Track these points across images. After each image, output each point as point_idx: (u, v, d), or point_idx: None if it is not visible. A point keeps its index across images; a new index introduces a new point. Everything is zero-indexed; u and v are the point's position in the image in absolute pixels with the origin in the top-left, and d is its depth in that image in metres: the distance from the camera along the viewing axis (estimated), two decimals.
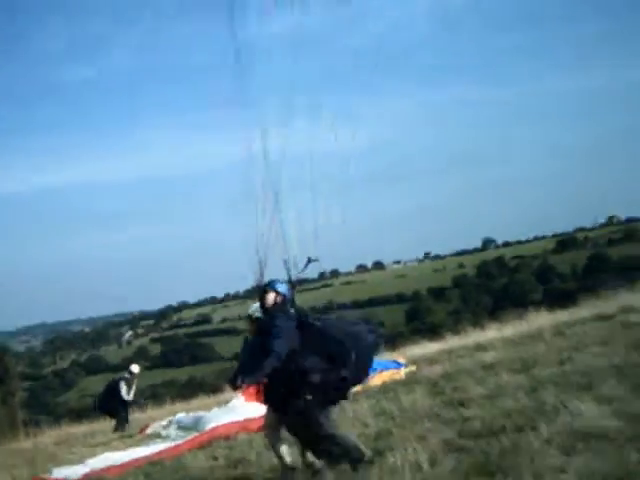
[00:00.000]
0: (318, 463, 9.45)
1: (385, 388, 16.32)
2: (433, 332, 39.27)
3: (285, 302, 9.70)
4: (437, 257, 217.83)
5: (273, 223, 9.95)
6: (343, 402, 10.15)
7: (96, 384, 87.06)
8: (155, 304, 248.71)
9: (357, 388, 15.18)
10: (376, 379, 17.58)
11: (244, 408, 16.34)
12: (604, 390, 10.16)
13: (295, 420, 9.27)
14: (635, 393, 9.60)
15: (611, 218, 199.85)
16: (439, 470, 8.16)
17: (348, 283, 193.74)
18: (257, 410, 13.70)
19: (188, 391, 43.60)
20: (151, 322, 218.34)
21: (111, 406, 24.03)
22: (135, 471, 13.42)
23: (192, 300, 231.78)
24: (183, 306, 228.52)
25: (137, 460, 14.36)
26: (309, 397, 9.06)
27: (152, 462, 13.92)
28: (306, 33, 10.37)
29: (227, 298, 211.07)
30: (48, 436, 24.90)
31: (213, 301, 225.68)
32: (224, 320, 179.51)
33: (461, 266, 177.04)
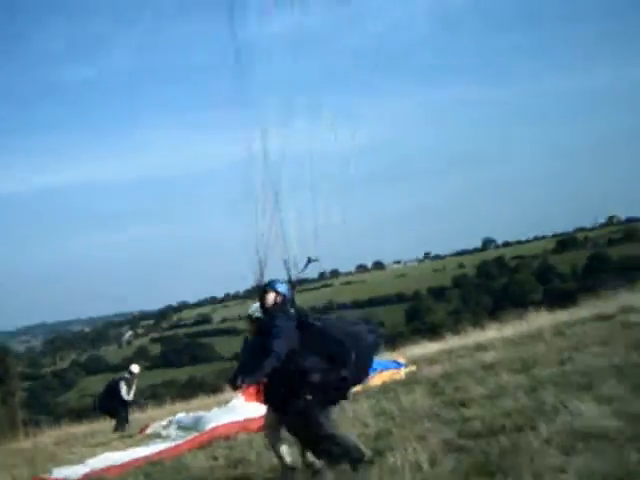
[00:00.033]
0: (318, 463, 9.44)
1: (385, 388, 16.34)
2: (433, 332, 39.29)
3: (285, 302, 9.70)
4: (437, 257, 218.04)
5: (273, 223, 9.97)
6: (343, 402, 10.17)
7: (96, 384, 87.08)
8: (155, 304, 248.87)
9: (357, 388, 15.20)
10: (376, 379, 17.60)
11: (244, 408, 16.35)
12: (604, 390, 10.17)
13: (295, 420, 9.27)
14: (635, 393, 9.61)
15: (611, 218, 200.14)
16: (439, 470, 8.17)
17: (348, 283, 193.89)
18: (257, 410, 13.70)
19: (188, 391, 43.63)
20: (151, 322, 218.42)
21: (111, 406, 24.03)
22: (135, 471, 13.42)
23: (192, 300, 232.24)
24: (183, 306, 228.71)
25: (137, 460, 14.36)
26: (309, 397, 9.06)
27: (152, 462, 13.92)
28: (306, 33, 10.40)
29: (227, 298, 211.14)
30: (48, 436, 24.92)
31: (213, 301, 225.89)
32: (224, 320, 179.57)
33: (461, 266, 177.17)
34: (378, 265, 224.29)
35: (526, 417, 9.61)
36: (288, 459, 9.82)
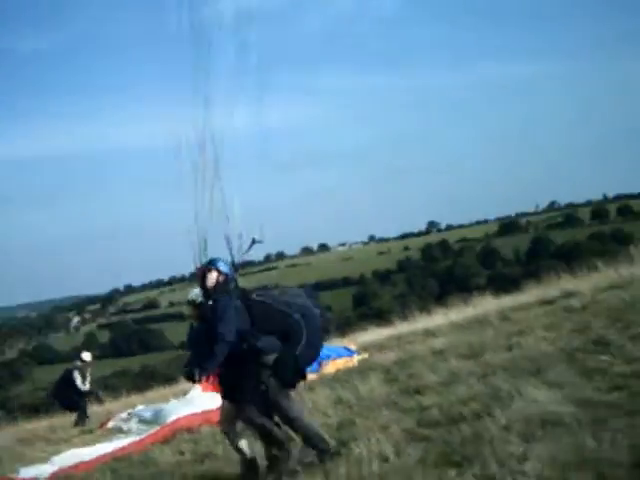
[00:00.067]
0: (281, 455, 9.42)
1: (340, 376, 16.48)
2: (380, 317, 39.58)
3: (227, 282, 9.56)
4: (382, 240, 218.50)
5: (213, 202, 9.77)
6: (301, 390, 10.31)
7: (48, 375, 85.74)
8: (101, 287, 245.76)
9: (313, 376, 15.52)
10: (330, 367, 17.86)
11: (202, 399, 16.48)
12: (554, 375, 10.37)
13: (255, 405, 9.27)
14: (584, 378, 9.85)
15: (552, 203, 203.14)
16: (405, 460, 8.24)
17: (293, 266, 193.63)
18: (215, 400, 13.52)
19: (142, 381, 43.45)
20: (98, 306, 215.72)
21: (67, 397, 23.67)
22: (102, 467, 13.34)
23: (138, 283, 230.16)
24: (129, 290, 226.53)
25: (103, 456, 14.34)
26: (267, 379, 9.10)
27: (118, 458, 13.91)
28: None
29: (173, 281, 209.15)
30: (7, 433, 24.53)
31: (159, 284, 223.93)
32: (172, 304, 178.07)
33: (406, 249, 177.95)
34: (323, 248, 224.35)
35: (482, 404, 9.74)
36: (248, 452, 9.77)
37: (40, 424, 25.49)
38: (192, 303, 9.90)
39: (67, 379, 23.94)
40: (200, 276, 9.63)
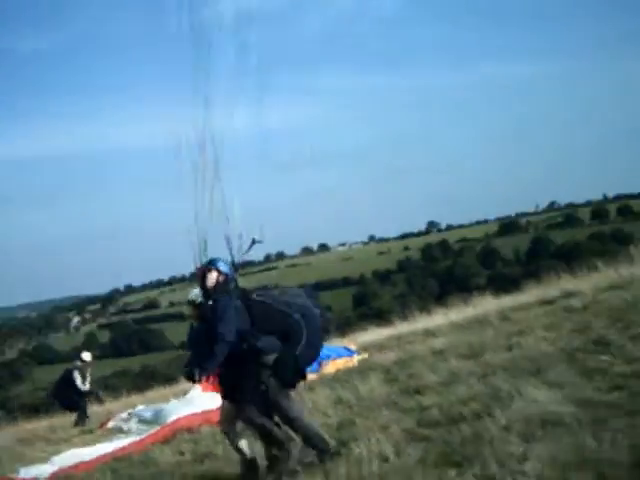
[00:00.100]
0: (281, 455, 9.40)
1: (339, 376, 16.48)
2: (380, 317, 39.58)
3: (227, 282, 9.56)
4: (382, 240, 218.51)
5: (213, 202, 9.76)
6: (301, 391, 10.32)
7: (48, 375, 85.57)
8: (101, 287, 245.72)
9: (313, 376, 15.51)
10: (330, 367, 17.86)
11: (202, 399, 16.46)
12: (554, 375, 10.39)
13: (253, 406, 9.28)
14: (584, 378, 9.86)
15: (552, 203, 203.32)
16: (405, 461, 8.25)
17: (293, 266, 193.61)
18: (215, 400, 13.49)
19: (142, 381, 43.41)
20: (98, 306, 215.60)
21: (68, 398, 23.56)
22: (102, 467, 13.33)
23: (138, 283, 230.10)
24: (129, 290, 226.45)
25: (104, 456, 14.32)
26: (267, 379, 9.10)
27: (118, 458, 13.90)
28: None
29: (173, 281, 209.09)
30: (7, 433, 24.49)
31: (159, 284, 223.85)
32: (172, 304, 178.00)
33: (406, 249, 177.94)
34: (323, 248, 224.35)
35: (482, 404, 9.75)
36: (248, 452, 9.77)
37: (40, 424, 25.44)
38: (192, 303, 9.89)
39: (67, 379, 23.89)
40: (200, 276, 9.62)
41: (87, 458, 14.42)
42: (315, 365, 15.78)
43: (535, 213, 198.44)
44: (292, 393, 9.53)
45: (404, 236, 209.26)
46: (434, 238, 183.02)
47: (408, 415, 10.66)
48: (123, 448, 14.74)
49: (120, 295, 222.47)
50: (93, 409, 24.04)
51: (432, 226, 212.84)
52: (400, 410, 11.16)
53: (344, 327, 35.10)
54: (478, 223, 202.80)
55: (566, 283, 21.76)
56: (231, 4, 10.42)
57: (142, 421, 17.29)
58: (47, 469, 14.08)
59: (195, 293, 9.85)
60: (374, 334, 25.92)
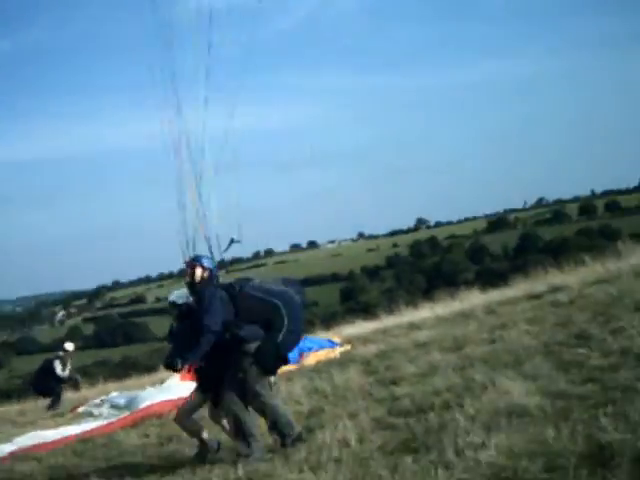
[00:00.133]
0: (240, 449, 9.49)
1: (319, 367, 16.50)
2: (367, 312, 39.50)
3: (212, 277, 9.84)
4: (371, 237, 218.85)
5: (200, 203, 10.27)
6: (278, 381, 10.30)
7: (26, 364, 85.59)
8: (88, 283, 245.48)
9: (293, 367, 15.44)
10: (311, 358, 17.79)
11: (179, 387, 16.18)
12: (531, 368, 10.43)
13: (232, 391, 9.36)
14: (559, 371, 9.89)
15: (540, 200, 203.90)
16: (366, 447, 8.35)
17: (282, 262, 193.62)
18: (192, 389, 13.69)
19: (122, 371, 43.12)
20: (84, 301, 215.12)
21: (46, 385, 23.50)
22: (64, 448, 13.34)
23: (126, 280, 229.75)
24: (117, 285, 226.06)
25: (67, 438, 14.24)
26: (248, 367, 9.21)
27: (83, 439, 13.87)
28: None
29: (161, 277, 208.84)
30: None
31: (147, 280, 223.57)
32: (158, 300, 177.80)
33: (395, 245, 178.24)
34: (312, 245, 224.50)
35: (454, 395, 9.82)
36: (206, 438, 10.17)
37: (12, 408, 25.27)
38: (172, 304, 10.13)
39: (47, 368, 23.78)
40: (190, 269, 9.84)
41: (50, 439, 14.35)
42: (296, 355, 15.81)
43: (523, 209, 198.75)
44: (268, 380, 9.63)
45: (393, 233, 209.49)
46: (423, 235, 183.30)
47: (380, 404, 10.73)
48: (90, 431, 14.68)
49: (107, 290, 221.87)
50: (68, 395, 23.90)
51: (421, 223, 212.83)
52: (373, 400, 11.24)
53: (330, 321, 34.88)
54: (467, 220, 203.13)
55: (553, 278, 21.83)
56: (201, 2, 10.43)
57: (114, 407, 17.14)
58: (5, 448, 13.95)
59: (176, 294, 10.15)
60: (359, 327, 25.87)
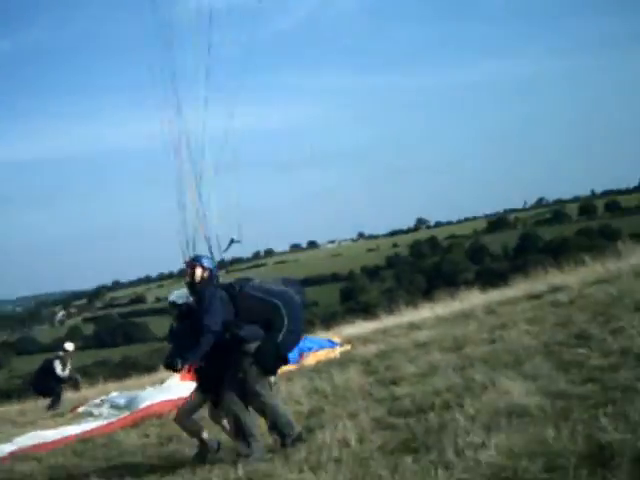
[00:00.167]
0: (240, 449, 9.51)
1: (319, 367, 16.52)
2: (367, 312, 39.48)
3: (212, 277, 9.87)
4: (371, 237, 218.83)
5: (200, 203, 10.32)
6: (278, 382, 10.32)
7: (26, 364, 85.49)
8: (88, 284, 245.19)
9: (293, 367, 15.47)
10: (311, 358, 17.81)
11: (179, 387, 16.16)
12: (531, 368, 10.45)
13: (232, 393, 9.37)
14: (559, 371, 9.91)
15: (540, 200, 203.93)
16: (366, 447, 8.37)
17: (282, 262, 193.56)
18: (192, 389, 13.69)
19: (122, 370, 43.09)
20: (84, 302, 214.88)
21: (46, 385, 23.47)
22: (64, 448, 13.34)
23: (126, 280, 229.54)
24: (117, 286, 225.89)
25: (67, 438, 14.23)
26: (248, 367, 9.22)
27: (83, 439, 13.87)
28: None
29: (161, 277, 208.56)
30: None
31: (147, 280, 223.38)
32: (158, 300, 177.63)
33: (395, 246, 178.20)
34: (312, 245, 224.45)
35: (454, 395, 9.84)
36: (205, 437, 10.20)
37: (12, 408, 25.27)
38: (172, 304, 10.14)
39: (47, 368, 23.78)
40: (190, 269, 9.87)
41: (50, 439, 14.34)
42: (296, 356, 15.84)
43: (523, 209, 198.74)
44: (268, 381, 9.65)
45: (393, 233, 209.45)
46: (423, 235, 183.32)
47: (380, 404, 10.76)
48: (90, 431, 14.68)
49: (107, 291, 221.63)
50: (68, 395, 23.88)
51: (421, 223, 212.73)
52: (373, 400, 11.27)
53: (330, 321, 34.89)
54: (467, 220, 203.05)
55: (553, 278, 21.86)
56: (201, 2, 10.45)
57: (114, 406, 17.10)
58: (5, 448, 13.93)
59: (176, 294, 10.17)
60: (359, 327, 25.90)
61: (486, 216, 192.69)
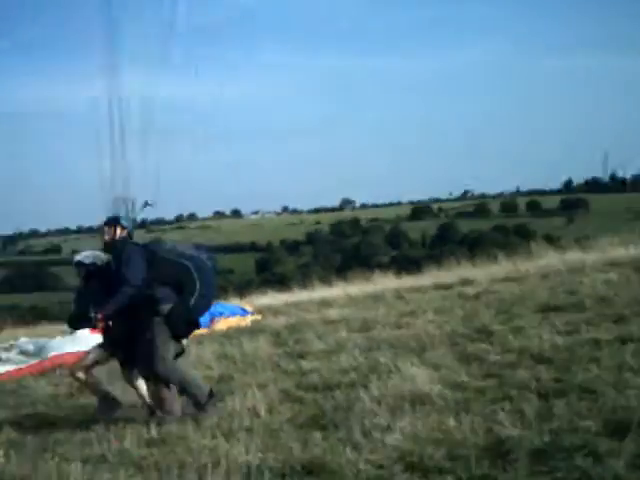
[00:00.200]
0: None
1: (230, 333, 16.67)
2: (282, 284, 39.63)
3: (129, 237, 9.90)
4: (295, 211, 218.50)
5: (125, 164, 10.39)
6: (188, 344, 10.41)
7: None
8: (3, 229, 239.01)
9: (204, 331, 15.59)
10: (222, 323, 17.94)
11: (89, 339, 16.09)
12: (434, 357, 10.70)
13: (140, 353, 9.37)
14: (461, 363, 10.14)
15: (465, 192, 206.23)
16: (276, 418, 8.55)
17: (204, 227, 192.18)
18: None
19: (32, 317, 42.31)
20: None
21: None
22: None
23: (43, 229, 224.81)
24: (34, 234, 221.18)
25: None
26: (158, 328, 9.18)
27: None
28: None
29: (80, 230, 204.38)
30: None
31: (66, 232, 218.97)
32: (75, 251, 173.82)
33: (317, 223, 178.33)
34: (236, 214, 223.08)
35: (360, 375, 10.04)
36: (109, 390, 10.17)
37: None
38: (78, 264, 10.06)
39: None
40: (110, 228, 9.84)
41: None
42: (207, 320, 15.94)
43: (448, 200, 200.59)
44: (181, 344, 9.68)
45: (317, 210, 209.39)
46: (347, 215, 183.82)
47: (288, 377, 10.93)
48: None
49: (23, 238, 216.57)
50: None
51: (346, 203, 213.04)
52: (281, 371, 11.46)
53: (244, 289, 34.93)
54: (392, 205, 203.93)
55: (464, 271, 22.33)
56: None
57: (23, 352, 16.81)
58: None
59: (83, 255, 10.11)
60: (272, 299, 26.05)
61: (411, 203, 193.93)
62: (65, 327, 13.91)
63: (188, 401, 9.40)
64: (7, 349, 17.61)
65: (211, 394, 9.31)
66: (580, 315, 12.52)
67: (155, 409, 9.56)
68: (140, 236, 10.49)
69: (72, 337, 16.65)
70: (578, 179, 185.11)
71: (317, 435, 7.52)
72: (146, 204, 10.40)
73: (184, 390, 9.36)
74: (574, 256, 21.02)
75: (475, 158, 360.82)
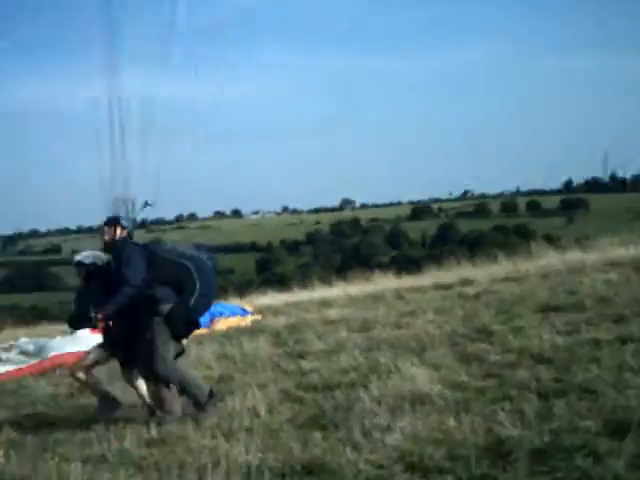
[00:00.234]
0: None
1: (230, 333, 16.69)
2: (282, 284, 39.64)
3: (129, 237, 9.90)
4: (295, 211, 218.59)
5: (125, 164, 10.41)
6: (188, 344, 10.41)
7: None
8: (4, 229, 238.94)
9: (204, 331, 15.59)
10: (222, 323, 17.95)
11: (89, 339, 16.11)
12: (434, 357, 10.69)
13: (140, 355, 9.38)
14: (461, 363, 10.13)
15: (465, 192, 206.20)
16: (276, 418, 8.54)
17: (204, 227, 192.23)
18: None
19: (32, 317, 42.30)
20: None
21: None
22: None
23: (44, 229, 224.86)
24: (34, 234, 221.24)
25: None
26: (157, 327, 9.18)
27: None
28: None
29: (80, 230, 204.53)
30: None
31: (66, 232, 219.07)
32: (75, 251, 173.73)
33: (317, 223, 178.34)
34: (236, 214, 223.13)
35: (360, 375, 10.04)
36: (109, 390, 10.15)
37: None
38: (78, 264, 10.03)
39: None
40: (110, 228, 9.84)
41: None
42: (207, 320, 15.94)
43: (448, 200, 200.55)
44: (182, 345, 9.69)
45: (317, 210, 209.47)
46: (347, 215, 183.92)
47: (288, 377, 10.93)
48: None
49: (23, 238, 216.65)
50: None
51: (347, 203, 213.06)
52: (281, 371, 11.47)
53: (244, 289, 34.92)
54: (392, 205, 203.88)
55: (464, 271, 22.32)
56: None
57: (23, 352, 16.81)
58: None
59: (83, 255, 10.09)
60: (272, 298, 26.06)
61: (411, 203, 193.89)
62: (65, 327, 13.89)
63: (188, 401, 9.41)
64: (7, 349, 17.60)
65: (211, 394, 9.32)
66: (580, 315, 12.53)
67: (155, 409, 9.58)
68: (140, 236, 10.49)
69: (72, 337, 16.66)
70: (578, 179, 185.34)
71: (317, 435, 7.52)
72: (146, 204, 10.42)
73: (184, 390, 9.36)
74: (574, 256, 21.02)
75: (475, 158, 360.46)
